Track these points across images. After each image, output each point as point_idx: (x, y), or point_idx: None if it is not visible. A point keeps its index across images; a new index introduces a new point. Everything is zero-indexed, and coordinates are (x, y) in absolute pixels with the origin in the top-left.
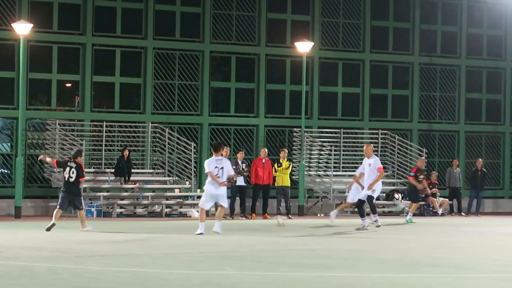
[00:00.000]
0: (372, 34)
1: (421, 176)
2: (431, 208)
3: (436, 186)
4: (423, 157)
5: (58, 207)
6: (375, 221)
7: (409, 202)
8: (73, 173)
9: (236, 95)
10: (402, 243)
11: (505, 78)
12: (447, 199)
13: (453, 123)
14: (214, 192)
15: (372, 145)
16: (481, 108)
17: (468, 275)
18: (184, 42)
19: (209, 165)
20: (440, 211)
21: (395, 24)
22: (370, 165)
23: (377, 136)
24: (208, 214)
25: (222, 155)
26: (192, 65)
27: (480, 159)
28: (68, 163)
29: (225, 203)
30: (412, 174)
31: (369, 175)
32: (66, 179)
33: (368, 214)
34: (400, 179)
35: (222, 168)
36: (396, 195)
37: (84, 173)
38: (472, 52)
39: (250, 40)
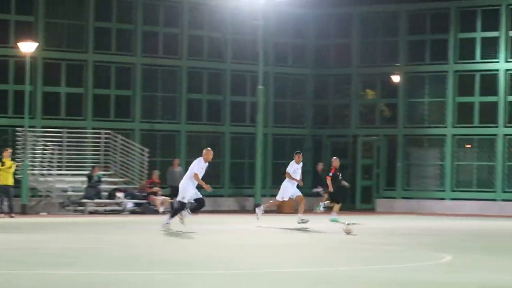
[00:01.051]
0: (95, 35)
1: (341, 175)
2: (152, 207)
3: (158, 185)
4: (336, 157)
5: None
6: (166, 223)
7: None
8: None
9: None
10: (124, 241)
11: (225, 79)
12: (168, 198)
13: (175, 123)
14: None
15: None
16: (202, 108)
17: (190, 272)
18: None
19: None
20: (161, 209)
21: (117, 25)
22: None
23: (100, 136)
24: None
25: None
26: None
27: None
28: None
29: None
30: (330, 174)
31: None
32: None
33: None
34: (123, 178)
35: None
36: (118, 194)
37: None
38: (193, 54)
39: None
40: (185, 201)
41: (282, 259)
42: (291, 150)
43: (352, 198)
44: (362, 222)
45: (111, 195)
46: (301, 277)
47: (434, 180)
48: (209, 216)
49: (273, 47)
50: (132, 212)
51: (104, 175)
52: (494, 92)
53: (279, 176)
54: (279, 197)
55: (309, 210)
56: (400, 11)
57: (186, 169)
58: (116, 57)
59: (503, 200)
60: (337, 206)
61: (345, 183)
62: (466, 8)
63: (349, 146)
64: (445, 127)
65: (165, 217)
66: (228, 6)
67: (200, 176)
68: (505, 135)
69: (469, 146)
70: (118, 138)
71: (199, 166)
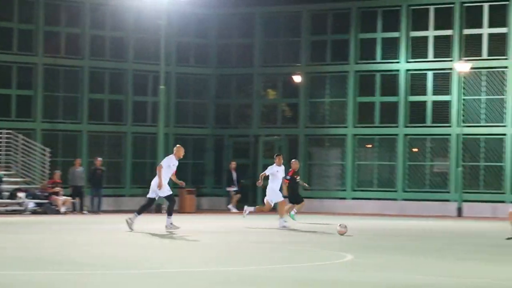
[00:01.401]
0: None
1: (298, 178)
2: (54, 207)
3: (60, 185)
4: (296, 160)
5: None
6: (131, 221)
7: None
8: None
9: None
10: (28, 241)
11: (127, 79)
12: (69, 198)
13: (76, 123)
14: None
15: None
16: (104, 108)
17: (94, 272)
18: None
19: None
20: (62, 209)
21: (19, 25)
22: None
23: (1, 135)
24: None
25: None
26: None
27: (99, 158)
28: None
29: None
30: (288, 177)
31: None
32: None
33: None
34: (24, 178)
35: None
36: (19, 194)
37: None
38: (95, 53)
39: None
40: (171, 192)
41: (190, 259)
42: (193, 150)
43: (254, 198)
44: (267, 222)
45: (12, 195)
46: (209, 277)
47: (335, 180)
48: (111, 216)
49: (175, 46)
50: (34, 212)
51: (5, 175)
52: (395, 92)
53: (181, 176)
54: (268, 200)
55: (225, 210)
56: (302, 11)
57: (87, 170)
58: (18, 57)
59: (404, 199)
60: (299, 205)
61: (305, 185)
62: (367, 9)
63: (251, 146)
64: (346, 127)
65: (132, 215)
66: (130, 6)
67: (171, 173)
68: (406, 135)
69: (370, 146)
70: (19, 138)
71: (169, 162)
